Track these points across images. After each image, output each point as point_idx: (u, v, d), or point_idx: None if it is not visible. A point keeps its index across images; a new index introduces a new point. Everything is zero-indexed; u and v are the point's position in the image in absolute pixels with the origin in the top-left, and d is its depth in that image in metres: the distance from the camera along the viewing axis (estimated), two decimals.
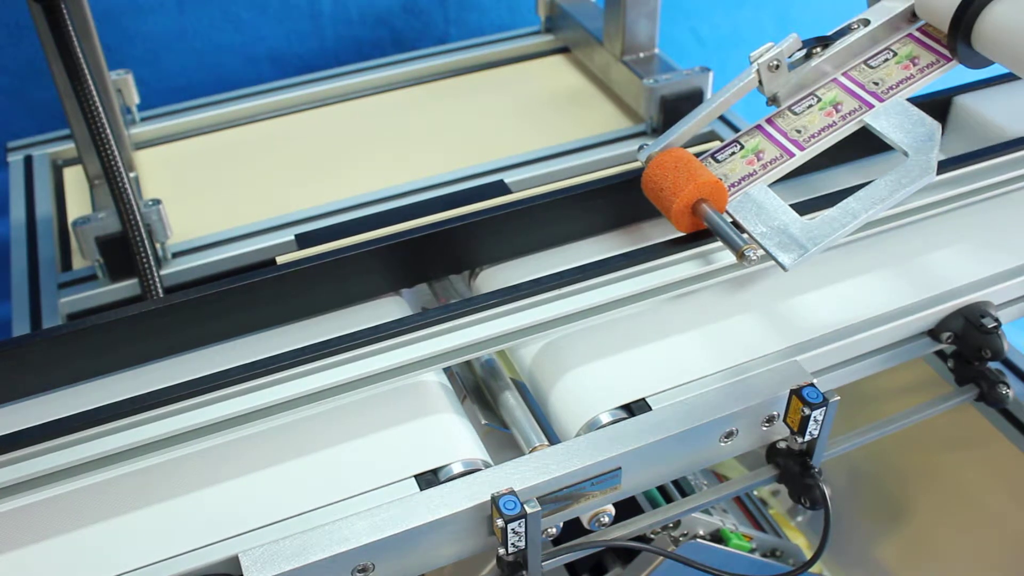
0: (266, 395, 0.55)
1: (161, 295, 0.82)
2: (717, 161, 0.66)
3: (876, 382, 0.77)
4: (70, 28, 0.73)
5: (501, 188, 0.81)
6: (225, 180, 1.03)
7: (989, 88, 0.82)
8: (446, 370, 0.62)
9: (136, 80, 1.06)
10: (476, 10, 1.36)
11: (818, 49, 0.67)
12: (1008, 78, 0.81)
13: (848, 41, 0.67)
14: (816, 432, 0.57)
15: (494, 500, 0.50)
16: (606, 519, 0.57)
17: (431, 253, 0.66)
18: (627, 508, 0.63)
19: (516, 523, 0.50)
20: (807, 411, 0.55)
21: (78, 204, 1.02)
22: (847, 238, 0.62)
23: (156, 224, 0.87)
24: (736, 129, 1.05)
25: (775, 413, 0.58)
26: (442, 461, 0.54)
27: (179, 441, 0.55)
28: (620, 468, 0.54)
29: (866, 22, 0.67)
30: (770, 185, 0.64)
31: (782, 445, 0.61)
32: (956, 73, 0.67)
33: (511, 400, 0.61)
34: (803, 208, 0.64)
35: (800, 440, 0.58)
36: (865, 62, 0.67)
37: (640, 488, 0.58)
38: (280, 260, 0.66)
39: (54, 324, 0.86)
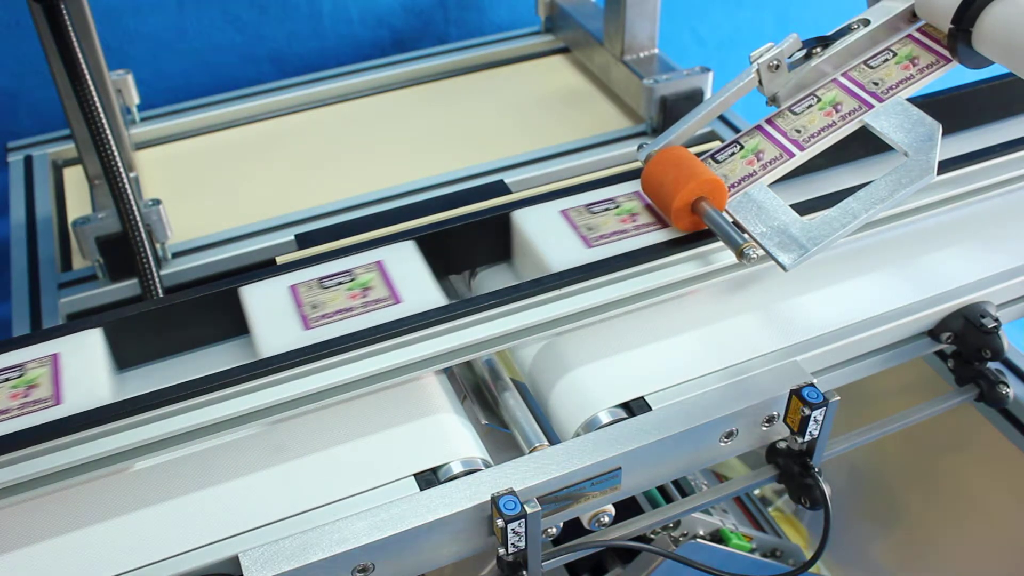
0: (266, 395, 0.55)
1: (161, 295, 0.82)
2: (717, 162, 0.66)
3: (876, 382, 0.77)
4: (70, 28, 0.73)
5: (501, 188, 0.81)
6: (225, 180, 1.03)
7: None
8: (446, 370, 0.62)
9: (136, 80, 1.06)
10: (476, 10, 1.36)
11: (818, 49, 0.67)
12: None
13: (848, 41, 0.67)
14: (816, 432, 0.57)
15: (494, 500, 0.50)
16: (606, 519, 0.57)
17: (431, 253, 0.66)
18: (627, 508, 0.63)
19: (516, 523, 0.50)
20: (807, 411, 0.55)
21: (78, 204, 1.02)
22: (847, 238, 0.62)
23: (156, 224, 0.87)
24: (736, 129, 1.05)
25: (775, 413, 0.58)
26: (442, 461, 0.54)
27: (179, 441, 0.55)
28: (620, 468, 0.54)
29: (866, 22, 0.67)
30: (770, 185, 0.64)
31: (782, 445, 0.61)
32: (956, 73, 0.67)
33: (511, 400, 0.61)
34: (803, 208, 0.64)
35: (800, 440, 0.58)
36: (865, 62, 0.67)
37: (640, 488, 0.58)
38: (280, 260, 0.67)
39: (54, 324, 0.86)
